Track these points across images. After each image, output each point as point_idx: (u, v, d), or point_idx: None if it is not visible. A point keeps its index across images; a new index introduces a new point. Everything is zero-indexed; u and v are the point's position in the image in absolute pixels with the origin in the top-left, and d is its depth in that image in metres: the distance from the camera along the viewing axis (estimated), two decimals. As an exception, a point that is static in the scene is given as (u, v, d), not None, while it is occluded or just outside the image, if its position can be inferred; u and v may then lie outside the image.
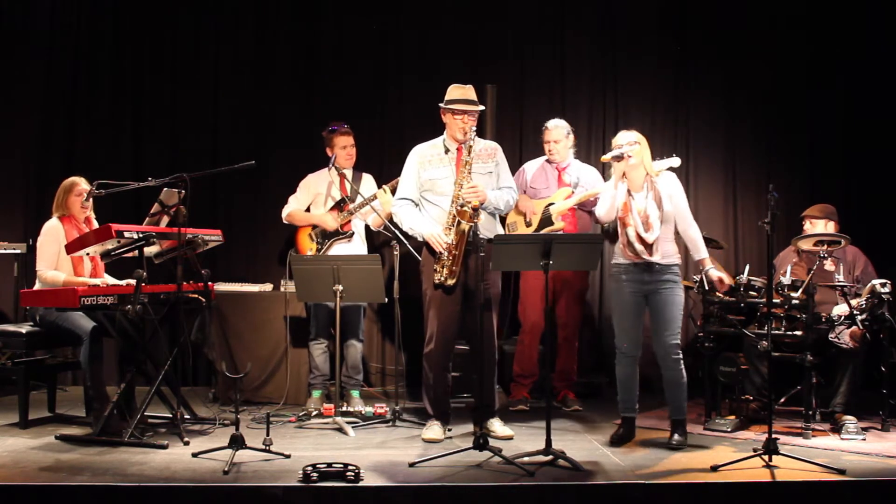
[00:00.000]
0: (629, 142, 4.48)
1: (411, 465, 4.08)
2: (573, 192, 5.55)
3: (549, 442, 4.16)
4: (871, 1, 6.60)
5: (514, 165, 6.26)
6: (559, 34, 6.68)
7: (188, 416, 4.96)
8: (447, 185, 4.69)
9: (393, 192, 5.15)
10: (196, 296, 4.82)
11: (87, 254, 4.76)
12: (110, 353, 5.49)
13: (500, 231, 4.86)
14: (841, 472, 3.95)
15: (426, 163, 4.77)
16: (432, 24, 6.62)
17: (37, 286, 4.91)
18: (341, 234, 5.57)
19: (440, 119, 4.81)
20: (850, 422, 4.80)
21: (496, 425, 4.78)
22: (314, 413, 5.15)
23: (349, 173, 5.62)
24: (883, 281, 4.92)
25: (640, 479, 3.88)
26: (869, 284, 4.97)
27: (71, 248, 4.65)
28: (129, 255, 4.69)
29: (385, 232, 5.41)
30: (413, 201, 4.79)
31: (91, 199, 4.98)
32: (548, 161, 5.69)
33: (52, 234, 4.90)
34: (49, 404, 5.33)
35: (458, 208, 4.56)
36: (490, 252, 4.34)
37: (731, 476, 3.93)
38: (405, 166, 4.84)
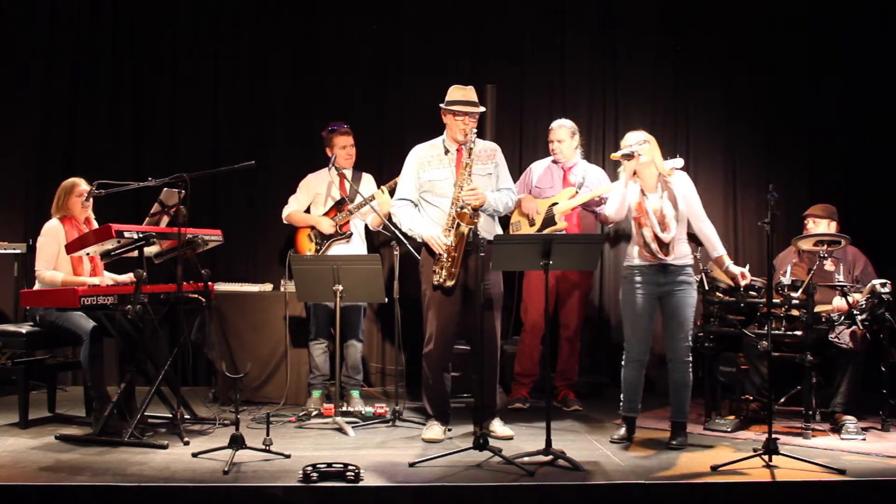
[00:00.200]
0: (638, 141, 4.48)
1: (411, 465, 4.08)
2: (577, 192, 5.55)
3: (549, 442, 4.16)
4: (871, 1, 6.60)
5: (514, 166, 6.27)
6: (559, 34, 6.68)
7: (188, 416, 4.96)
8: (447, 187, 4.68)
9: (391, 192, 5.15)
10: (196, 296, 4.83)
11: (87, 254, 4.76)
12: (110, 353, 5.48)
13: (499, 232, 4.86)
14: (841, 472, 3.95)
15: (425, 164, 4.76)
16: (432, 24, 6.61)
17: (36, 286, 4.92)
18: (340, 234, 5.57)
19: (440, 119, 4.80)
20: (850, 422, 4.80)
21: (496, 425, 4.78)
22: (314, 413, 5.16)
23: (349, 173, 5.61)
24: (883, 281, 4.92)
25: (640, 479, 3.88)
26: (869, 284, 4.97)
27: (71, 248, 4.65)
28: (129, 255, 4.69)
29: (384, 232, 5.41)
30: (412, 202, 4.79)
31: (91, 199, 4.98)
32: (554, 161, 5.70)
33: (52, 234, 4.90)
34: (49, 404, 5.33)
35: (458, 210, 4.56)
36: (490, 252, 4.33)
37: (731, 476, 3.93)
38: (404, 167, 4.84)
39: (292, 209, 5.67)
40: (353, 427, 4.87)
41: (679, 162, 4.73)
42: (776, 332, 4.81)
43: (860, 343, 4.90)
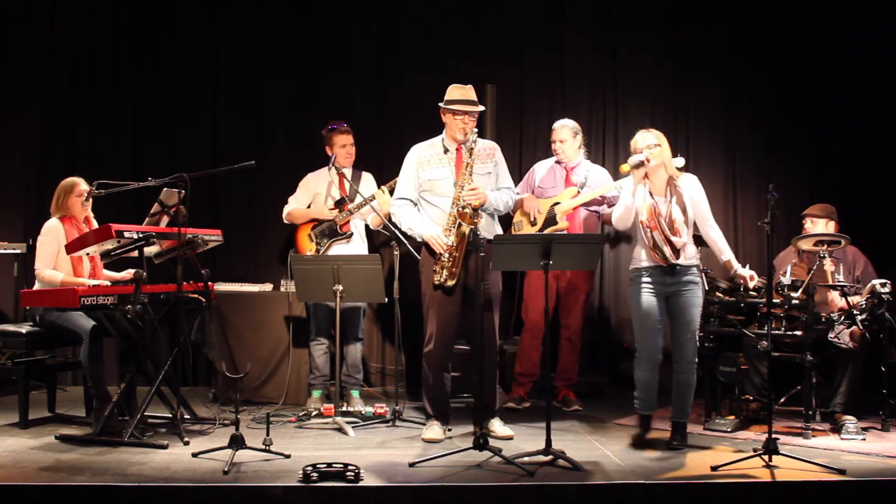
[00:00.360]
0: (648, 145, 4.44)
1: (411, 465, 4.08)
2: (579, 192, 5.55)
3: (549, 442, 4.16)
4: (871, 1, 6.60)
5: (514, 166, 6.28)
6: (559, 34, 6.68)
7: (188, 416, 4.96)
8: (447, 187, 4.68)
9: (392, 192, 5.14)
10: (196, 296, 4.83)
11: (87, 254, 4.76)
12: (110, 353, 5.48)
13: (499, 231, 4.85)
14: (841, 472, 3.95)
15: (425, 163, 4.76)
16: (432, 24, 6.61)
17: (36, 286, 4.92)
18: (340, 234, 5.56)
19: (440, 119, 4.80)
20: (850, 422, 4.80)
21: (496, 425, 4.78)
22: (314, 413, 5.15)
23: (348, 172, 5.61)
24: (883, 281, 4.92)
25: (640, 479, 3.87)
26: (869, 284, 4.97)
27: (71, 248, 4.65)
28: (130, 255, 4.69)
29: (384, 232, 5.41)
30: (412, 201, 4.79)
31: (91, 199, 4.98)
32: (557, 162, 5.70)
33: (52, 233, 4.90)
34: (49, 404, 5.32)
35: (459, 210, 4.56)
36: (490, 252, 4.33)
37: (731, 476, 3.93)
38: (403, 166, 4.83)
39: (292, 207, 5.66)
40: (353, 427, 4.87)
41: (680, 161, 4.72)
42: (776, 332, 4.81)
43: (860, 343, 4.89)
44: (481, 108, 4.76)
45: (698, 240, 4.64)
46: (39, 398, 5.46)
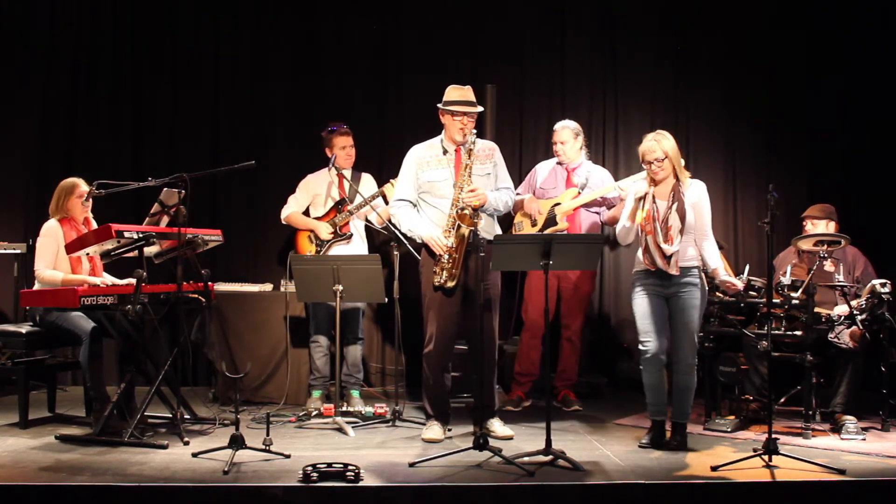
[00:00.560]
0: (657, 158, 4.40)
1: (411, 465, 4.08)
2: (580, 193, 5.55)
3: (549, 442, 4.16)
4: (871, 1, 6.60)
5: (514, 166, 6.29)
6: (559, 34, 6.68)
7: (188, 416, 4.96)
8: (446, 188, 4.68)
9: None
10: (196, 296, 4.82)
11: (87, 254, 4.75)
12: (110, 353, 5.48)
13: (499, 232, 4.85)
14: (841, 472, 3.95)
15: (424, 164, 4.75)
16: (432, 24, 6.61)
17: (36, 286, 4.91)
18: (340, 235, 5.57)
19: (440, 119, 4.80)
20: (850, 422, 4.80)
21: (496, 425, 4.78)
22: (314, 413, 5.15)
23: (348, 173, 5.61)
24: (883, 281, 4.92)
25: (640, 479, 3.87)
26: (869, 284, 4.97)
27: (71, 248, 4.65)
28: (129, 255, 4.69)
29: (385, 232, 5.41)
30: (411, 202, 4.78)
31: (91, 200, 4.98)
32: (558, 163, 5.70)
33: (52, 234, 4.90)
34: (49, 404, 5.32)
35: (459, 212, 4.56)
36: (490, 252, 4.33)
37: (731, 476, 3.93)
38: (402, 167, 4.83)
39: (291, 210, 5.66)
40: (353, 427, 4.87)
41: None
42: (776, 332, 4.81)
43: (860, 343, 4.89)
44: (480, 108, 4.75)
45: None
46: (39, 398, 5.46)
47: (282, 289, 5.64)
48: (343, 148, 5.54)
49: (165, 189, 4.86)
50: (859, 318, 4.85)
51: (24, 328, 5.00)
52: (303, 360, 5.58)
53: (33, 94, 6.47)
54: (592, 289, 5.89)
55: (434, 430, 4.68)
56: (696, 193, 4.50)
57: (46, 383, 5.41)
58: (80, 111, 6.50)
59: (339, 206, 5.57)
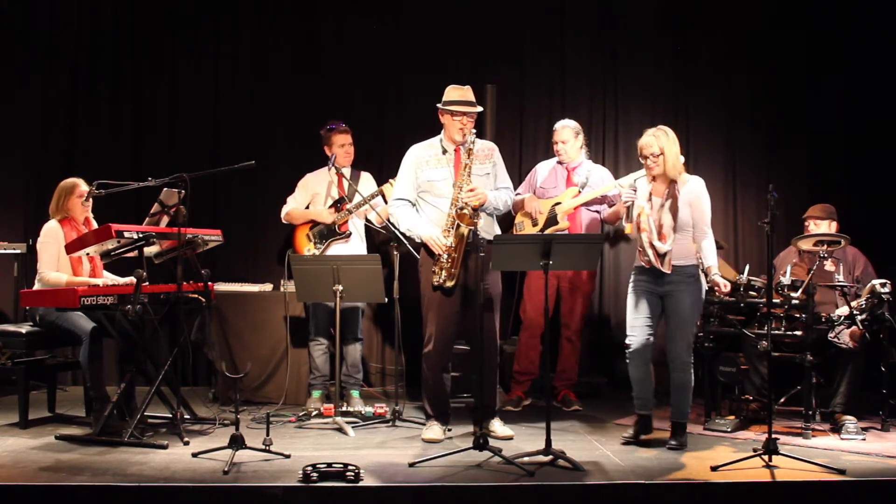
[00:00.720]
0: (653, 153, 4.42)
1: (411, 465, 4.08)
2: (580, 192, 5.55)
3: (549, 442, 4.16)
4: (871, 1, 6.60)
5: (514, 166, 6.29)
6: (559, 34, 6.68)
7: (188, 416, 4.96)
8: (445, 187, 4.68)
9: None
10: (196, 296, 4.82)
11: (87, 254, 4.75)
12: (110, 353, 5.48)
13: (498, 231, 4.85)
14: (841, 472, 3.95)
15: (423, 164, 4.75)
16: (432, 24, 6.61)
17: (37, 286, 4.91)
18: (339, 234, 5.56)
19: (439, 119, 4.80)
20: (850, 422, 4.80)
21: (496, 425, 4.78)
22: (314, 413, 5.15)
23: (347, 172, 5.61)
24: (883, 281, 4.92)
25: (640, 479, 3.88)
26: (869, 284, 4.97)
27: (71, 248, 4.64)
28: (129, 255, 4.69)
29: (384, 231, 5.41)
30: (410, 202, 4.78)
31: (91, 200, 4.98)
32: (559, 162, 5.70)
33: (52, 234, 4.90)
34: (49, 404, 5.32)
35: (458, 211, 4.56)
36: (490, 252, 4.33)
37: (731, 476, 3.93)
38: (402, 166, 4.83)
39: (291, 207, 5.66)
40: (353, 427, 4.87)
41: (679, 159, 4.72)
42: (776, 332, 4.81)
43: (860, 343, 4.89)
44: (479, 108, 4.75)
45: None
46: (39, 398, 5.46)
47: (282, 289, 5.64)
48: (342, 146, 5.54)
49: (165, 189, 4.86)
50: (859, 318, 4.85)
51: (24, 328, 5.00)
52: (302, 360, 5.59)
53: (33, 94, 6.47)
54: (592, 288, 5.90)
55: (434, 430, 4.68)
56: (694, 190, 4.50)
57: (46, 383, 5.41)
58: (80, 111, 6.50)
59: (337, 204, 5.56)
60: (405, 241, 5.09)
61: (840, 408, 4.91)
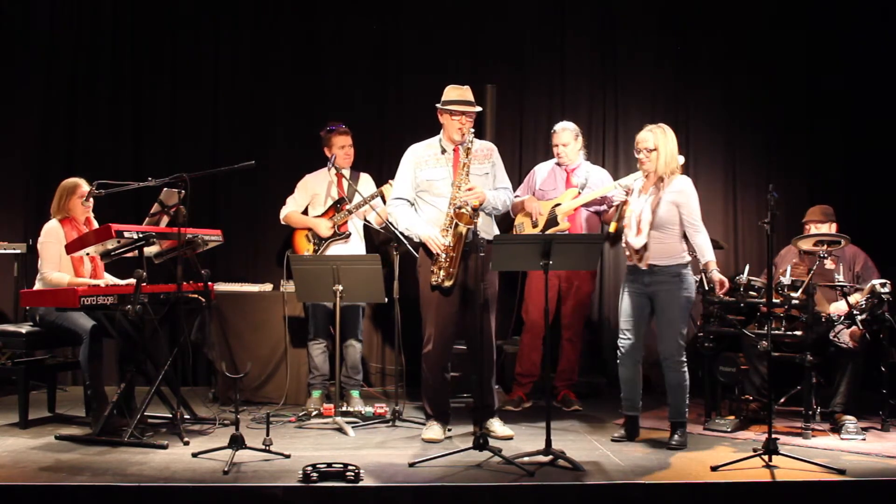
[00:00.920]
0: (647, 148, 4.45)
1: (411, 465, 4.08)
2: (580, 193, 5.55)
3: (549, 442, 4.15)
4: (871, 1, 6.60)
5: (514, 166, 6.29)
6: (559, 34, 6.68)
7: (188, 416, 4.96)
8: (444, 187, 4.68)
9: None
10: (196, 296, 4.82)
11: (87, 254, 4.75)
12: (110, 353, 5.48)
13: (497, 231, 4.86)
14: (841, 472, 3.95)
15: (422, 163, 4.76)
16: (432, 24, 6.61)
17: (37, 286, 4.91)
18: (339, 234, 5.56)
19: (439, 119, 4.80)
20: (850, 422, 4.80)
21: (496, 425, 4.78)
22: (314, 413, 5.15)
23: (347, 173, 5.61)
24: (883, 281, 4.92)
25: (640, 479, 3.88)
26: (869, 284, 4.97)
27: (71, 248, 4.64)
28: (129, 255, 4.69)
29: (385, 232, 5.41)
30: (409, 201, 4.78)
31: (91, 200, 4.98)
32: (558, 164, 5.70)
33: (53, 235, 4.90)
34: (49, 404, 5.32)
35: (457, 210, 4.56)
36: (490, 252, 4.33)
37: (731, 476, 3.93)
38: (401, 166, 4.83)
39: (290, 210, 5.66)
40: (353, 427, 4.87)
41: (679, 159, 4.72)
42: (776, 332, 4.81)
43: (860, 343, 4.89)
44: (478, 108, 4.75)
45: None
46: (39, 398, 5.46)
47: (281, 289, 5.64)
48: (342, 147, 5.54)
49: (165, 189, 4.86)
50: (859, 318, 4.85)
51: (24, 328, 5.00)
52: (302, 360, 5.59)
53: (33, 94, 6.47)
54: (592, 289, 5.90)
55: (434, 430, 4.68)
56: (679, 187, 4.49)
57: (46, 383, 5.41)
58: (80, 111, 6.50)
59: (337, 205, 5.56)
60: (405, 242, 5.09)
61: (840, 408, 4.90)
